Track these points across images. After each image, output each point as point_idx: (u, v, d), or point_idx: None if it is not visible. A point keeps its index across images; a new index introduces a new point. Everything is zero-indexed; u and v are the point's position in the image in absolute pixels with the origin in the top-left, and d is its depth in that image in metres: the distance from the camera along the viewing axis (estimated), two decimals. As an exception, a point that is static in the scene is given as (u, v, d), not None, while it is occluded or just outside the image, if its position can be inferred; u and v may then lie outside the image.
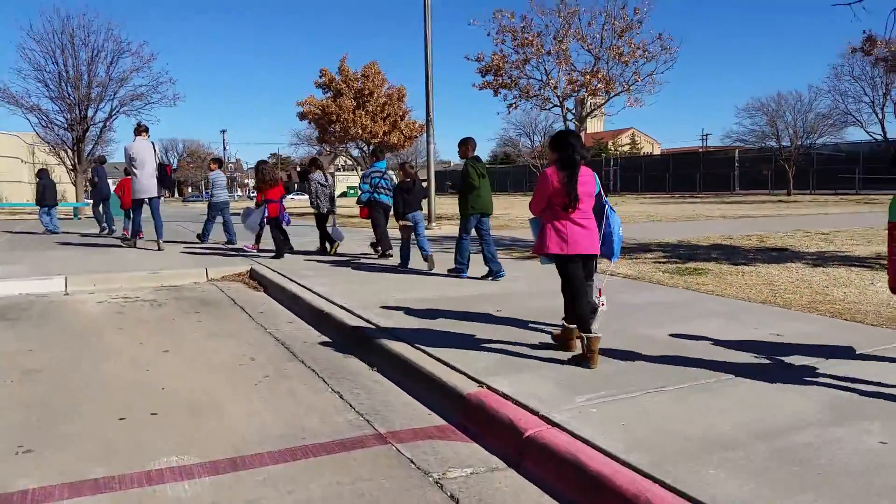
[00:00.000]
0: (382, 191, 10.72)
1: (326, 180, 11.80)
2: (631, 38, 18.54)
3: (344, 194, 74.77)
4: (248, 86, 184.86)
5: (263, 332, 6.55)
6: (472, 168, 8.44)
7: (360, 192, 11.00)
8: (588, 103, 19.40)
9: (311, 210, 11.98)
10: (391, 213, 10.50)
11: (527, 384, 4.24)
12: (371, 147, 25.71)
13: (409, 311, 6.50)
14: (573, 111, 19.78)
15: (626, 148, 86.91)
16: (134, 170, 12.08)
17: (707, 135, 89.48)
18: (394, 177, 11.28)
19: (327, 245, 11.83)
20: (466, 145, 8.79)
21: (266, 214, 11.08)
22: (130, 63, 29.76)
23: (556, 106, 19.98)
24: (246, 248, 12.07)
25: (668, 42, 18.75)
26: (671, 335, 5.43)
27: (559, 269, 4.89)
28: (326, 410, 4.34)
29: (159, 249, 12.29)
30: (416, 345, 5.24)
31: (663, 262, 9.65)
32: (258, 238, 11.99)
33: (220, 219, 13.67)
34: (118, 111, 30.22)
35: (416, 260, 9.72)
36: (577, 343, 4.93)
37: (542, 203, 4.84)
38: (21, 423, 4.10)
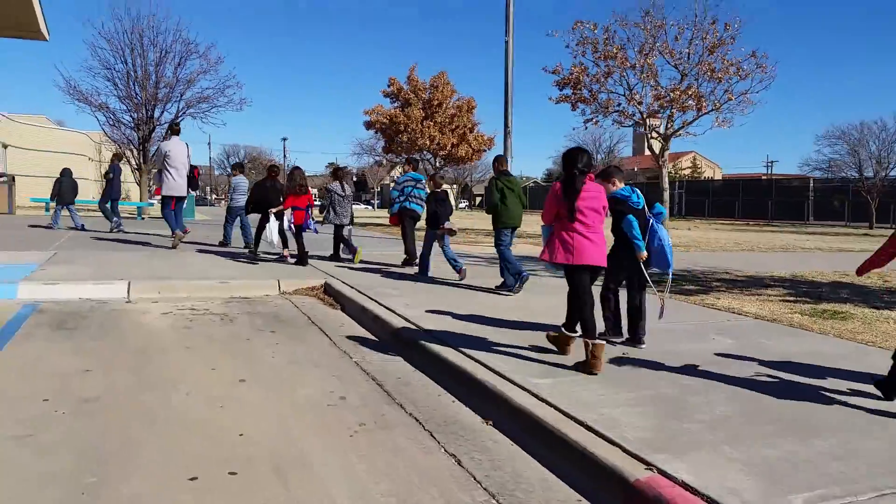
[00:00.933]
0: (415, 200, 10.87)
1: (345, 191, 11.87)
2: (723, 54, 17.33)
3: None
4: (310, 95, 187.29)
5: (349, 360, 5.68)
6: (493, 184, 8.89)
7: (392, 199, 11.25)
8: (675, 121, 18.15)
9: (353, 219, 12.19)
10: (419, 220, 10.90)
11: (710, 468, 3.25)
12: (437, 159, 24.99)
13: (519, 345, 5.54)
14: (657, 129, 18.60)
15: (687, 172, 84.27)
16: (168, 168, 12.31)
17: (773, 162, 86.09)
18: (426, 187, 11.24)
19: (341, 254, 11.99)
20: (497, 162, 9.39)
21: (292, 221, 10.91)
22: (198, 65, 29.70)
23: (638, 123, 18.84)
24: (287, 258, 11.56)
25: (763, 60, 17.51)
26: (860, 404, 4.33)
27: (567, 277, 5.14)
28: (444, 482, 3.42)
29: (178, 241, 12.66)
30: (542, 396, 4.28)
31: (792, 301, 8.47)
32: (284, 244, 11.61)
33: (239, 223, 13.81)
34: (184, 113, 30.14)
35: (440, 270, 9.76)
36: (573, 349, 5.29)
37: (552, 214, 5.13)
38: (71, 475, 3.29)
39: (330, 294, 8.76)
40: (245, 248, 13.06)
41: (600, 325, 5.42)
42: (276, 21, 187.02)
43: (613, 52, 17.63)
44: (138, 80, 29.19)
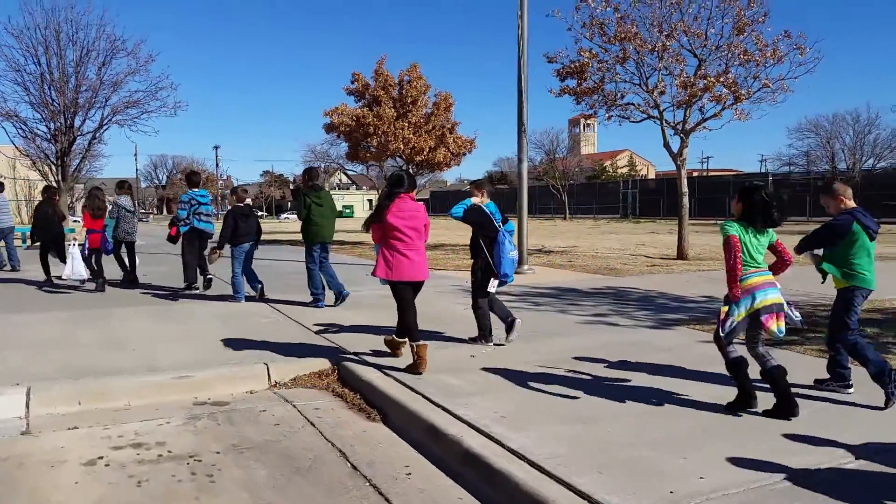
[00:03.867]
0: (204, 217, 10.21)
1: (134, 206, 11.24)
2: (759, 33, 14.88)
3: (340, 213, 70.03)
4: (246, 97, 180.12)
5: None
6: (301, 198, 8.57)
7: (178, 218, 10.30)
8: (707, 111, 15.55)
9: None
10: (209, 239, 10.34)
11: None
12: (410, 165, 21.99)
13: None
14: (678, 125, 15.97)
15: (625, 170, 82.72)
16: None
17: (708, 157, 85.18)
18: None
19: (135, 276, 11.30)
20: (306, 175, 9.01)
21: (87, 246, 10.25)
22: (126, 65, 25.86)
23: (652, 118, 16.18)
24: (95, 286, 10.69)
25: (801, 41, 15.16)
26: None
27: (392, 289, 5.62)
28: None
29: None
30: None
31: None
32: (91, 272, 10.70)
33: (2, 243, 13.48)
34: (110, 120, 26.17)
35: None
36: (406, 351, 5.76)
37: (379, 234, 5.56)
38: None
39: (349, 385, 5.68)
40: (11, 270, 12.93)
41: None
42: (209, 17, 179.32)
43: (631, 33, 14.92)
44: (55, 83, 25.11)
